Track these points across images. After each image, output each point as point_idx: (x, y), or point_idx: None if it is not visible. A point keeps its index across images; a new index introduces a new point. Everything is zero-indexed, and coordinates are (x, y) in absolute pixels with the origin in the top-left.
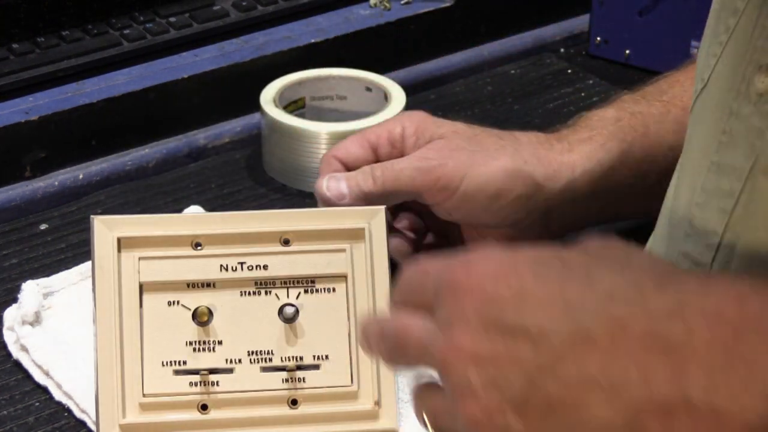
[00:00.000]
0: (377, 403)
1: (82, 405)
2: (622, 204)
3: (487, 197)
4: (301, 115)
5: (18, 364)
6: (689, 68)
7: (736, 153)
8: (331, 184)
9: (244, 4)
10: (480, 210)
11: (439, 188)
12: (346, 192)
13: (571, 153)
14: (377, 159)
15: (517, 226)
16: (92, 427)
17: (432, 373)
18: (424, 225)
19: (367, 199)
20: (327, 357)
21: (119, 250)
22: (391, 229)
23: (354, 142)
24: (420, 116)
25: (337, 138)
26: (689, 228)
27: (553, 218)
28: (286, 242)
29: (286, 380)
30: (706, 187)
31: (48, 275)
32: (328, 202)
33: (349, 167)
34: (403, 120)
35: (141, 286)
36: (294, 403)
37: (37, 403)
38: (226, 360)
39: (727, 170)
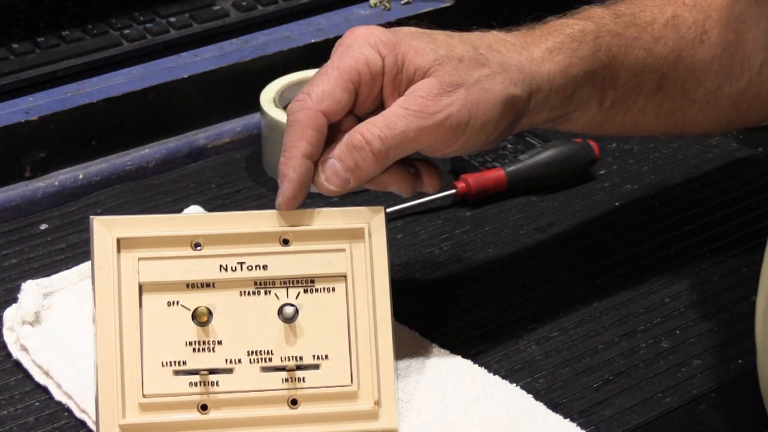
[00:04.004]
0: (377, 403)
1: (82, 405)
2: (573, 121)
3: (486, 134)
4: None
5: (18, 364)
6: None
7: None
8: (329, 174)
9: (244, 4)
10: (472, 145)
11: (445, 141)
12: (351, 178)
13: (550, 63)
14: (356, 99)
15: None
16: (92, 427)
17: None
18: None
19: (370, 174)
20: (327, 357)
21: (119, 251)
22: None
23: (337, 86)
24: (386, 36)
25: None
26: None
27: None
28: (286, 242)
29: (286, 380)
30: None
31: (48, 275)
32: (333, 194)
33: (332, 119)
34: (377, 47)
35: (140, 287)
36: (294, 403)
37: (37, 403)
38: (226, 360)
39: None
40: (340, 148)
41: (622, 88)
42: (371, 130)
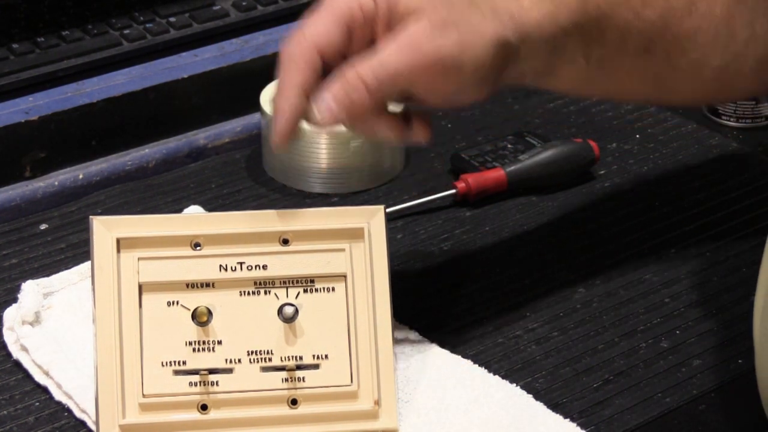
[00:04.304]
0: (377, 403)
1: (82, 405)
2: (561, 77)
3: (479, 78)
4: None
5: (18, 364)
6: None
7: None
8: (323, 109)
9: (244, 4)
10: (466, 91)
11: (438, 82)
12: (343, 113)
13: (539, 11)
14: (350, 42)
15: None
16: (92, 427)
17: None
18: None
19: (364, 110)
20: (327, 356)
21: (118, 251)
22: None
23: (330, 23)
24: None
25: (337, 138)
26: None
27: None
28: (286, 242)
29: (286, 380)
30: None
31: (48, 275)
32: (322, 127)
33: (326, 58)
34: None
35: (140, 287)
36: (294, 402)
37: (37, 403)
38: (226, 360)
39: None
40: (333, 83)
41: (608, 47)
42: (365, 66)
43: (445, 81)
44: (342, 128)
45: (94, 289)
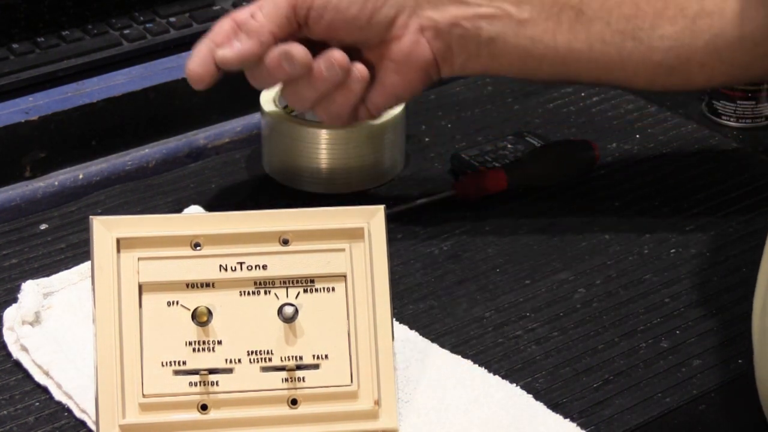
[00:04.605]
0: (377, 403)
1: (82, 405)
2: (502, 40)
3: None
4: (301, 115)
5: (18, 364)
6: None
7: None
8: (224, 51)
9: (244, 4)
10: (346, 11)
11: None
12: (234, 54)
13: None
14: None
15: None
16: (92, 427)
17: None
18: None
19: (262, 45)
20: (327, 356)
21: (118, 251)
22: None
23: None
24: None
25: (337, 138)
26: None
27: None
28: (285, 242)
29: (286, 380)
30: None
31: (48, 275)
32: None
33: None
34: None
35: (140, 287)
36: (294, 402)
37: (37, 403)
38: (226, 360)
39: None
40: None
41: (535, 1)
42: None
43: None
44: (342, 128)
45: (94, 289)
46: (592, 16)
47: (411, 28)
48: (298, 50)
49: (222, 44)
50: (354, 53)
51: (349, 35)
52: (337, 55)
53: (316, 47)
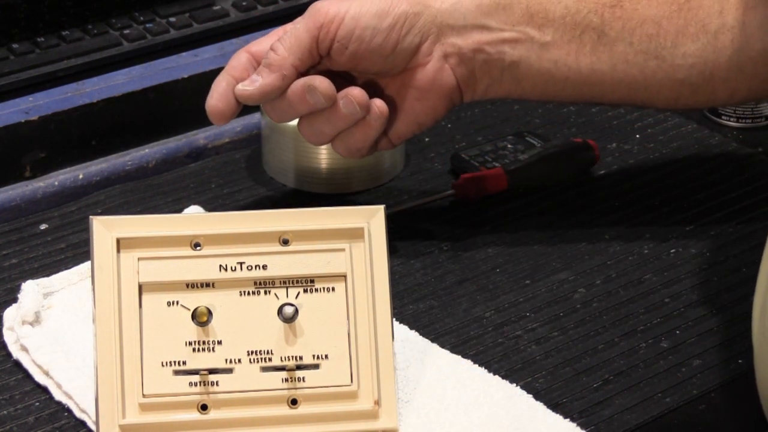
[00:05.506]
0: (377, 403)
1: (82, 405)
2: (524, 65)
3: (372, 16)
4: None
5: (18, 364)
6: None
7: None
8: (240, 86)
9: (244, 4)
10: (370, 41)
11: (328, 22)
12: (256, 91)
13: None
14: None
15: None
16: (92, 427)
17: None
18: None
19: (284, 78)
20: (326, 356)
21: (118, 251)
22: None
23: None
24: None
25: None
26: None
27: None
28: (285, 242)
29: (286, 380)
30: None
31: (48, 275)
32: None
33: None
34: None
35: (140, 287)
36: (294, 402)
37: (37, 403)
38: (226, 360)
39: None
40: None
41: (557, 23)
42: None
43: (335, 28)
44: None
45: (94, 289)
46: (614, 37)
47: (435, 55)
48: (322, 83)
49: (241, 78)
50: (375, 83)
51: (373, 65)
52: (355, 92)
53: (336, 77)
